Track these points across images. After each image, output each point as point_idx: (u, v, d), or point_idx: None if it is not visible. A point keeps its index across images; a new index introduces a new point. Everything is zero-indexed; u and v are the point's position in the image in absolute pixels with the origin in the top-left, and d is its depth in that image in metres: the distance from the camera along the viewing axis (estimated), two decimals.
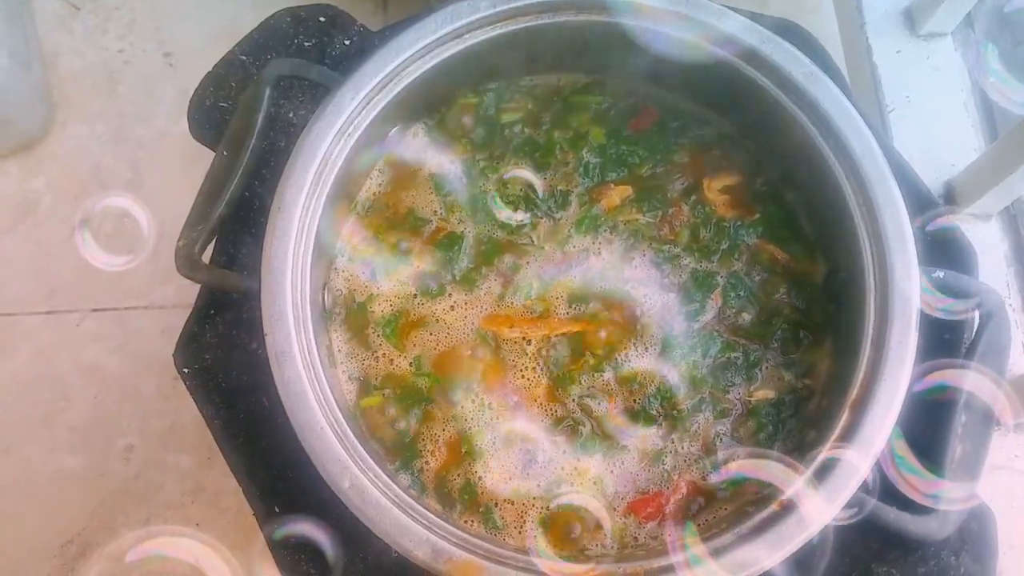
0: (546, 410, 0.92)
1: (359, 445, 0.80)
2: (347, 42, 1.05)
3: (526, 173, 0.99)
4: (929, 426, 0.85)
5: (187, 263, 0.87)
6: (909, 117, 1.32)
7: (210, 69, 1.04)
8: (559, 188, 1.01)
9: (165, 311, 1.65)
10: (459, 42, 0.92)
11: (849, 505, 0.77)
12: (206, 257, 0.94)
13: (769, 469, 0.76)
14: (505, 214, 0.97)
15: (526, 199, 1.00)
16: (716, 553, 0.77)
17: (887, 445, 0.78)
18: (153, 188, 1.73)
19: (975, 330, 0.89)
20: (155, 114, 1.79)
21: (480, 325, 0.95)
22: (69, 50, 1.85)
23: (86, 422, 1.60)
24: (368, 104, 0.90)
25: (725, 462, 0.77)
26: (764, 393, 0.92)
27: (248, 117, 0.91)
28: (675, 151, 1.02)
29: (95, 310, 1.67)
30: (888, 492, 0.80)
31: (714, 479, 0.77)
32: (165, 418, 1.58)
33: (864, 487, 0.77)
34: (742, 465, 0.77)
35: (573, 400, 0.92)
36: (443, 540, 0.77)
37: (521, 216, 0.99)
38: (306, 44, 1.04)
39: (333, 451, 0.78)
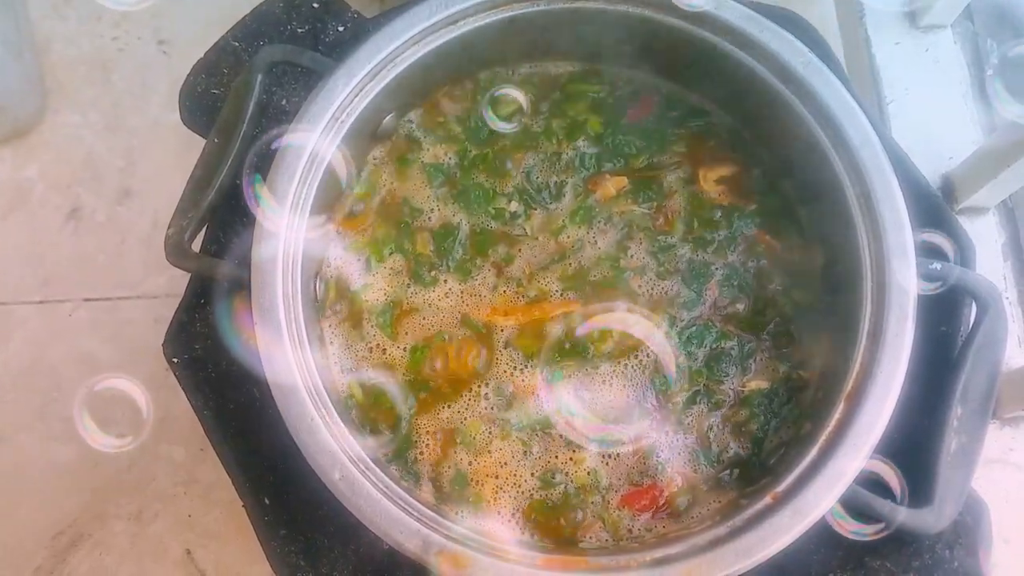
0: (542, 401, 0.91)
1: (350, 436, 0.80)
2: (341, 28, 1.03)
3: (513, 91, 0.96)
4: (924, 419, 0.84)
5: (176, 251, 0.86)
6: (908, 109, 1.31)
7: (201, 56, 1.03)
8: (554, 179, 1.00)
9: (158, 300, 1.64)
10: (454, 28, 0.91)
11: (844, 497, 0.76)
12: (197, 246, 0.93)
13: None
14: (500, 125, 0.95)
15: (520, 192, 0.99)
16: (710, 546, 0.76)
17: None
18: (146, 177, 1.71)
19: (971, 323, 0.89)
20: (149, 102, 1.77)
21: (475, 316, 0.94)
22: (62, 37, 1.83)
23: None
24: (361, 91, 0.89)
25: None
26: (757, 384, 0.91)
27: (239, 104, 0.89)
28: (672, 141, 1.01)
29: (87, 300, 1.65)
30: (882, 485, 0.80)
31: None
32: (158, 409, 1.55)
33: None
34: None
35: (569, 392, 0.91)
36: (434, 532, 0.76)
37: (515, 206, 0.99)
38: (299, 30, 1.03)
39: (323, 443, 0.77)
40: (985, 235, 1.24)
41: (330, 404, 0.81)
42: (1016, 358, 1.16)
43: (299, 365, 0.80)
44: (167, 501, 1.52)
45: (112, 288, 1.66)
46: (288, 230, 0.83)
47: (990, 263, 1.22)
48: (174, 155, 1.70)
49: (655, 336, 0.90)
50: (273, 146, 0.85)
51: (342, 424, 0.80)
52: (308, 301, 0.88)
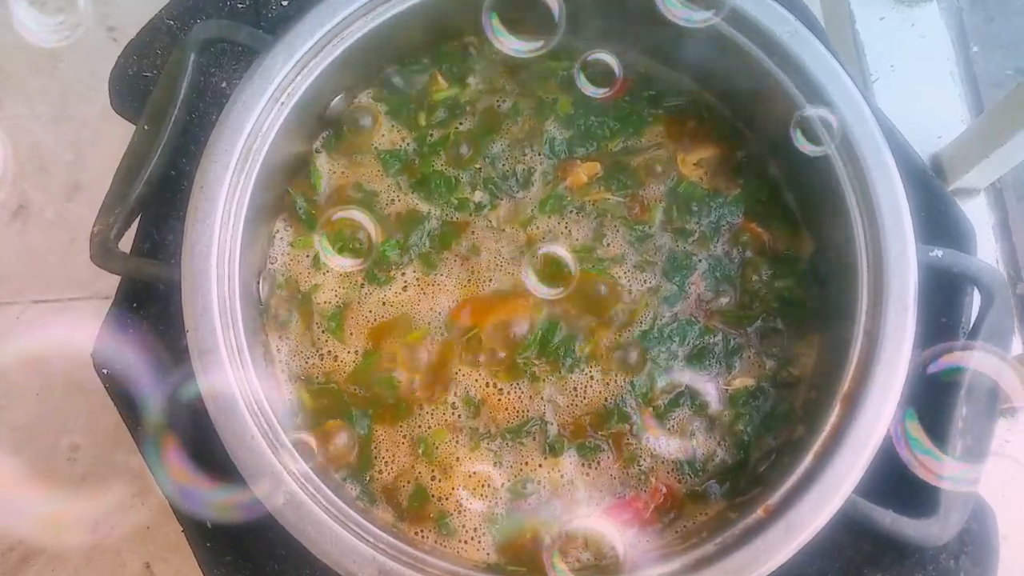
0: (514, 409, 0.84)
1: (297, 454, 0.72)
2: (284, 3, 0.96)
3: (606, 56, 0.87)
4: (929, 421, 0.77)
5: (101, 251, 0.78)
6: (893, 87, 1.27)
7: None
8: (520, 165, 0.92)
9: (111, 301, 1.57)
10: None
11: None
12: (128, 244, 0.85)
13: None
14: (591, 90, 0.87)
15: (485, 180, 0.92)
16: (697, 566, 0.70)
17: (900, 426, 0.72)
18: (96, 170, 1.64)
19: (975, 314, 0.82)
20: (99, 92, 1.69)
21: (438, 314, 0.87)
22: (4, 24, 1.74)
23: (30, 420, 1.51)
24: (304, 69, 0.81)
25: None
26: (743, 381, 0.85)
27: (171, 86, 0.82)
28: (648, 122, 0.95)
29: (37, 301, 1.58)
30: (883, 494, 0.74)
31: None
32: (112, 415, 1.49)
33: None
34: None
35: (543, 398, 0.84)
36: (391, 559, 0.69)
37: (480, 195, 0.91)
38: (239, 6, 0.96)
39: (265, 462, 0.70)
40: (977, 217, 1.20)
41: (274, 418, 0.73)
42: (1015, 345, 1.11)
43: (238, 375, 0.73)
44: (124, 512, 1.45)
45: (63, 289, 1.59)
46: (223, 225, 0.75)
47: (982, 246, 1.17)
48: (125, 147, 1.62)
49: None
50: None
51: (287, 440, 0.72)
52: (250, 303, 0.80)
